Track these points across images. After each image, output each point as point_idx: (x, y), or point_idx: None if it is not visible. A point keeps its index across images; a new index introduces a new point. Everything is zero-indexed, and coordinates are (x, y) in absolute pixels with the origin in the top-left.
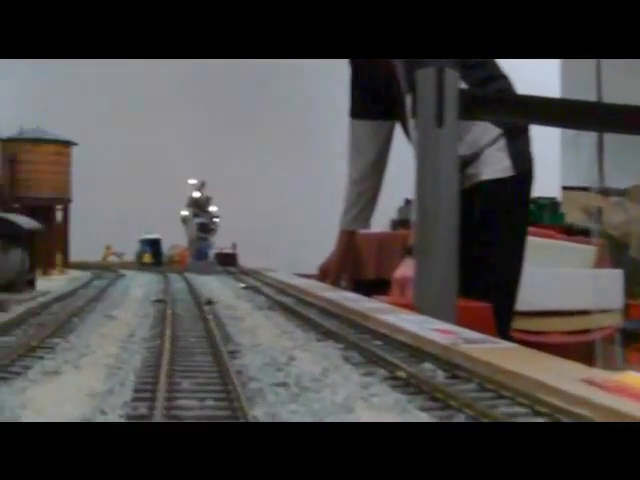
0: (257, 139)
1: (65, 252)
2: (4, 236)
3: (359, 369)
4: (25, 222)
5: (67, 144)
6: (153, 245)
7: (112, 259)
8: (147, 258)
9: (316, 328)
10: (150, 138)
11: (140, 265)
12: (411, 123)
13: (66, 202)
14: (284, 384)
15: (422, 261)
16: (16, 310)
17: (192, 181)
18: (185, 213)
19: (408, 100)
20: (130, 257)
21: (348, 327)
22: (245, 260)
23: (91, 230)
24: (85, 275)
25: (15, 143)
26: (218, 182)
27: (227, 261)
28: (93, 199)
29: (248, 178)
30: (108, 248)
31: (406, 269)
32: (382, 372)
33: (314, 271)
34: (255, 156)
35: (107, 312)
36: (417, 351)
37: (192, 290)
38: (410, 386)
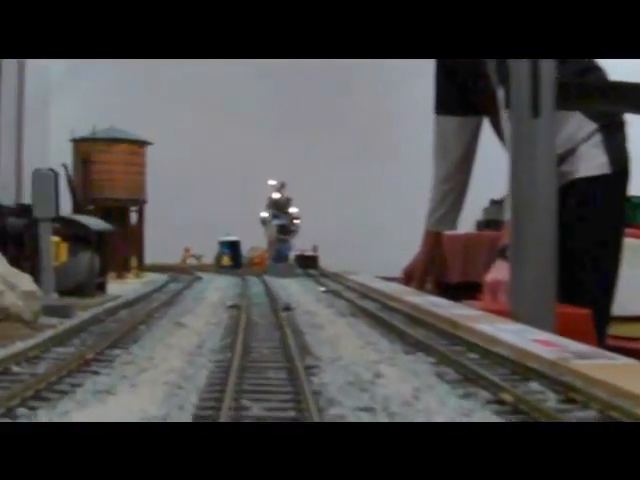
0: (338, 138)
1: (140, 254)
2: (72, 238)
3: (456, 389)
4: (94, 224)
5: (142, 144)
6: (232, 247)
7: (190, 261)
8: (226, 260)
9: (403, 338)
10: (230, 138)
11: (219, 267)
12: (503, 116)
13: (141, 203)
14: (370, 409)
15: (517, 263)
16: (80, 316)
17: (272, 182)
18: (265, 215)
19: (500, 92)
20: (209, 259)
21: (438, 337)
22: (326, 262)
23: (169, 232)
24: (161, 278)
25: (88, 143)
26: (299, 183)
27: (308, 263)
28: (171, 200)
29: (329, 178)
30: (187, 250)
31: (498, 272)
32: (483, 394)
33: (397, 274)
34: (336, 156)
35: (178, 319)
36: (520, 367)
37: (270, 294)
38: (519, 412)
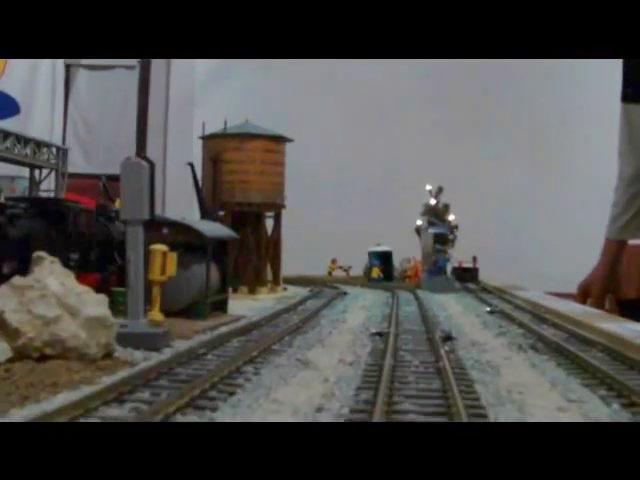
0: (498, 141)
1: (277, 266)
2: (184, 247)
3: None
4: (213, 230)
5: (280, 140)
6: (383, 258)
7: (337, 273)
8: (376, 273)
9: (621, 393)
10: (381, 140)
11: (368, 280)
12: None
13: (278, 208)
14: None
15: None
16: (175, 349)
17: (428, 187)
18: (420, 222)
19: None
20: (358, 271)
21: None
22: (485, 275)
23: (313, 240)
24: (300, 293)
25: (219, 140)
26: (457, 188)
27: (467, 277)
28: (315, 205)
29: (489, 184)
30: (333, 261)
31: None
32: None
33: (567, 290)
34: (496, 159)
35: (303, 353)
36: None
37: (425, 316)
38: None
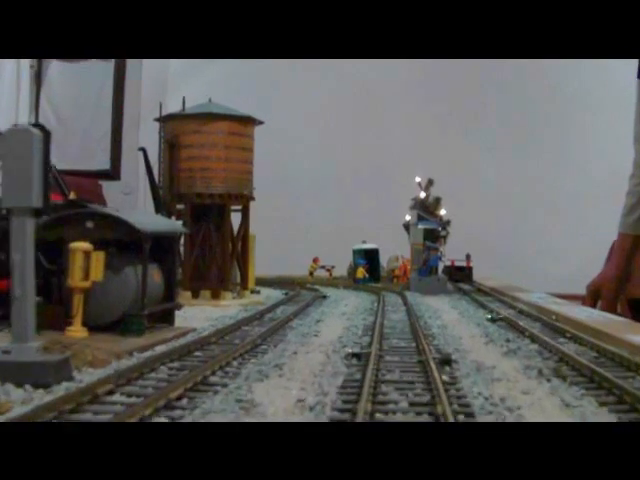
0: (495, 130)
1: (245, 267)
2: (114, 245)
3: None
4: (150, 222)
5: (247, 121)
6: (369, 257)
7: (319, 273)
8: (361, 273)
9: None
10: (371, 130)
11: (353, 281)
12: None
13: (246, 200)
14: None
15: None
16: (74, 384)
17: (418, 179)
18: (409, 218)
19: None
20: (341, 271)
21: None
22: (480, 274)
23: (294, 238)
24: (273, 297)
25: (177, 122)
26: (448, 181)
27: (460, 276)
28: (296, 199)
29: (483, 177)
30: (315, 260)
31: None
32: None
33: (574, 290)
34: (493, 151)
35: (250, 388)
36: None
37: (415, 327)
38: None
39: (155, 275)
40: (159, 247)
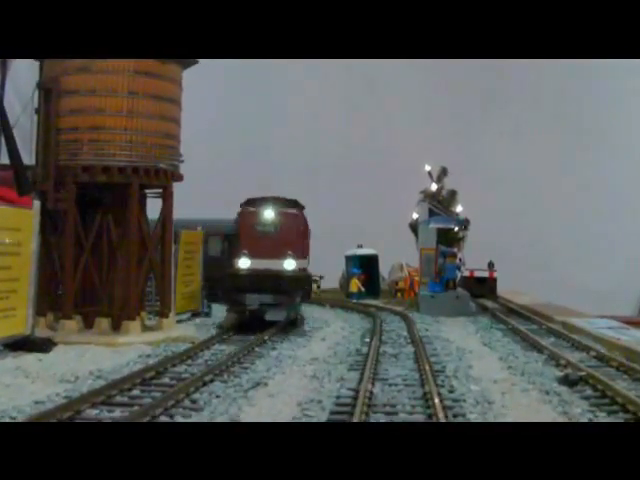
0: (520, 118)
1: (165, 284)
2: None
3: None
4: None
5: (163, 59)
6: (366, 265)
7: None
8: (355, 285)
9: None
10: (372, 117)
11: (346, 296)
12: None
13: (167, 178)
14: None
15: None
16: None
17: (428, 167)
18: (416, 216)
19: None
20: (332, 282)
21: None
22: (501, 286)
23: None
24: (214, 326)
25: (59, 62)
26: (466, 173)
27: (481, 290)
28: (275, 192)
29: (505, 170)
30: None
31: None
32: None
33: (618, 309)
34: (513, 138)
35: None
36: None
37: (428, 397)
38: None
39: None
40: None
